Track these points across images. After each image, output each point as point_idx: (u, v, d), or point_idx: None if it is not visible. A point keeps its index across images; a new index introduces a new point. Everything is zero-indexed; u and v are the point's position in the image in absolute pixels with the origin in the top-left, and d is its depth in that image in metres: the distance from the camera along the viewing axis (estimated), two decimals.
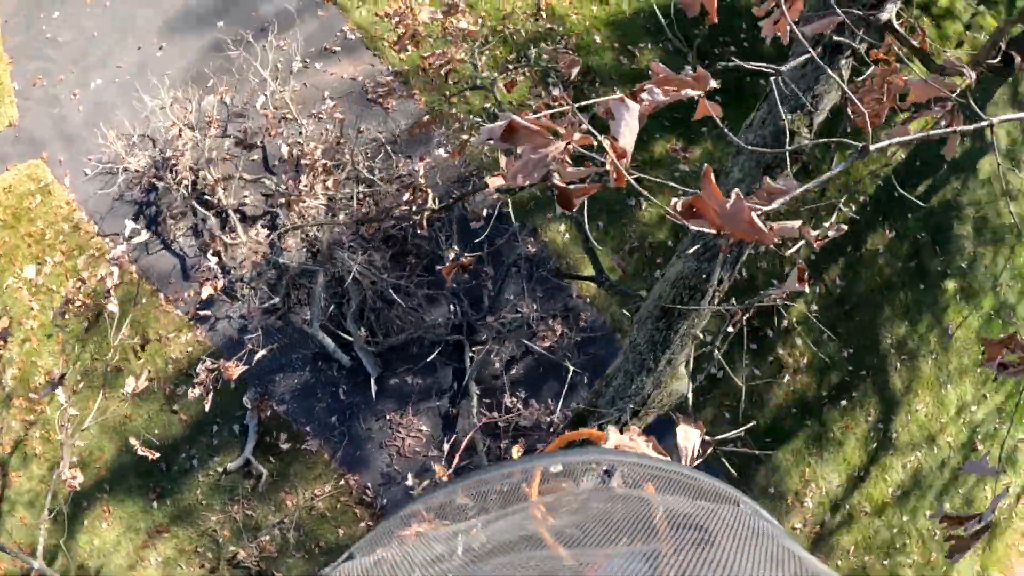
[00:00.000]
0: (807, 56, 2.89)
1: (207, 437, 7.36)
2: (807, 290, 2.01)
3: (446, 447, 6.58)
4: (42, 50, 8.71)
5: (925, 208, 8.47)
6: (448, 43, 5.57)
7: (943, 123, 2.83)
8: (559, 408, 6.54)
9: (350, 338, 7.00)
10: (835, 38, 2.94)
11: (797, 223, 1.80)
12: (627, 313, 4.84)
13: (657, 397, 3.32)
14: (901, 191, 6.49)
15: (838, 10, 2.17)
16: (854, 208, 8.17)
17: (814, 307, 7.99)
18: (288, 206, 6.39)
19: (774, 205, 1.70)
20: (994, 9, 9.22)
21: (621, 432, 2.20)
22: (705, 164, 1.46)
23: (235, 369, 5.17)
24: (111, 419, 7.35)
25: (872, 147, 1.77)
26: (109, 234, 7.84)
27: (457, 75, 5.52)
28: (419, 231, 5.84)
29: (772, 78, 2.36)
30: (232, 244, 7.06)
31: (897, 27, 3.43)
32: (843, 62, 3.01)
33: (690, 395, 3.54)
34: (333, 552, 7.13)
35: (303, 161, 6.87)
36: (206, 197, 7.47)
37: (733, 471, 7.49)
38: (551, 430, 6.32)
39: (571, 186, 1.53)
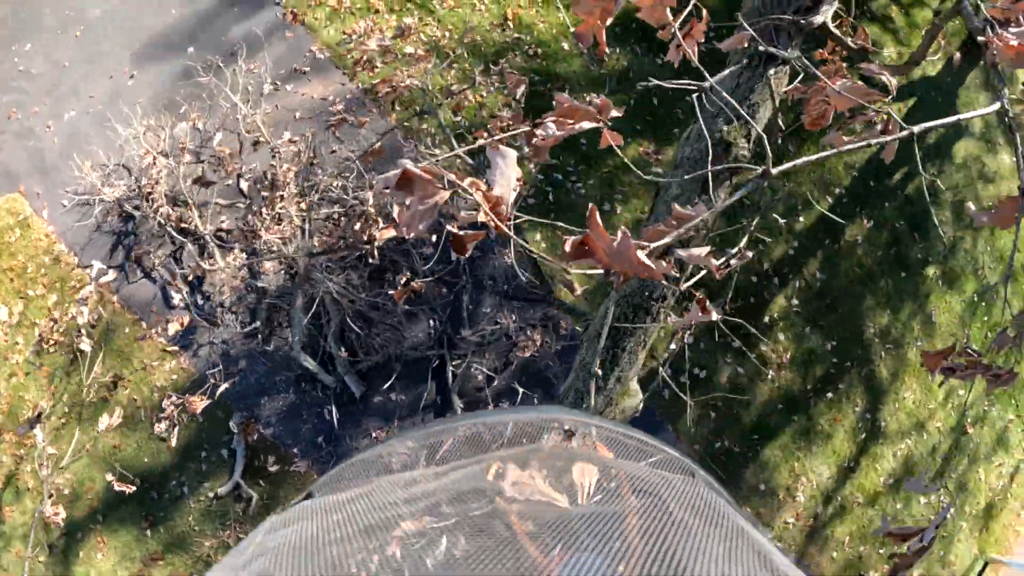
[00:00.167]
0: (731, 70, 2.91)
1: (196, 463, 7.39)
2: (714, 318, 2.02)
3: None
4: (16, 82, 8.74)
5: (902, 196, 8.49)
6: (398, 68, 5.59)
7: (878, 127, 2.84)
8: None
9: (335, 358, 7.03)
10: (764, 48, 2.94)
11: (705, 250, 1.81)
12: (578, 330, 4.88)
13: (609, 415, 3.34)
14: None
15: (748, 28, 2.18)
16: (831, 200, 8.19)
17: (795, 301, 8.01)
18: (254, 234, 6.41)
19: (680, 231, 1.72)
20: None
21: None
22: (591, 204, 1.48)
23: (199, 403, 5.20)
24: (100, 450, 7.38)
25: (773, 170, 1.79)
26: (89, 265, 7.87)
27: (405, 102, 5.54)
28: (371, 260, 5.86)
29: (695, 95, 2.38)
30: (211, 270, 7.08)
31: (833, 29, 3.44)
32: (772, 72, 3.02)
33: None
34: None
35: (276, 184, 6.90)
36: (183, 224, 7.50)
37: (720, 472, 7.52)
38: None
39: (463, 232, 1.55)
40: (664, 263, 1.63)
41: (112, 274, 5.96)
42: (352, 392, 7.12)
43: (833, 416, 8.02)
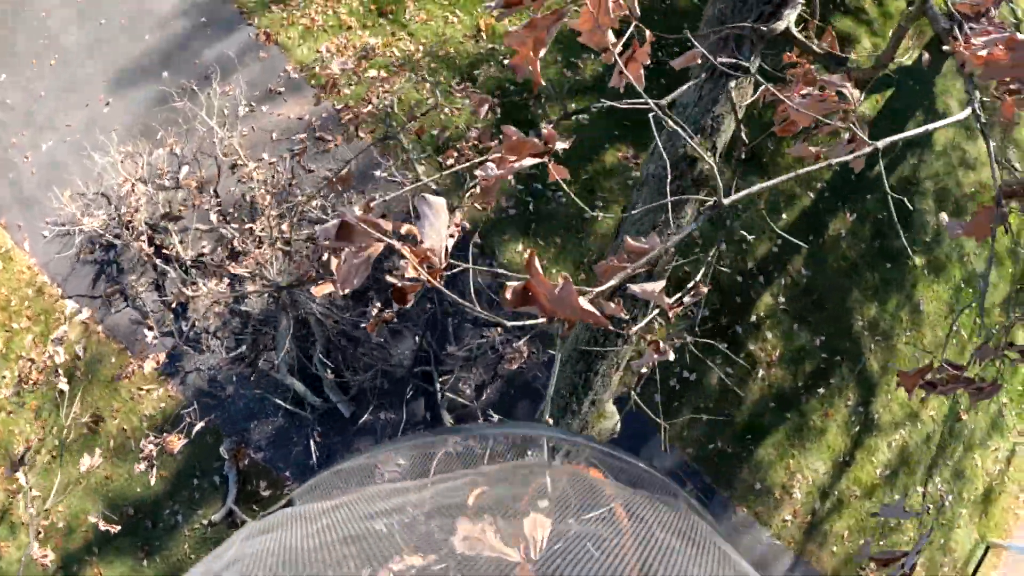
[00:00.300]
0: (692, 83, 2.88)
1: (188, 491, 7.35)
2: (670, 358, 2.00)
3: None
4: None
5: (883, 187, 8.48)
6: (370, 88, 5.57)
7: (845, 137, 2.82)
8: None
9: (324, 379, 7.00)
10: (720, 61, 2.92)
11: (660, 285, 1.79)
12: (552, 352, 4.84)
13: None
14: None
15: (697, 44, 2.16)
16: (812, 195, 8.18)
17: (781, 299, 8.00)
18: (235, 259, 6.38)
19: (628, 271, 1.69)
20: None
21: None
22: (530, 249, 1.46)
23: (177, 443, 5.18)
24: (92, 482, 7.34)
25: (726, 201, 1.77)
26: (73, 295, 7.84)
27: (369, 126, 5.52)
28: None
29: (651, 115, 2.36)
30: (194, 296, 7.05)
31: (796, 34, 3.42)
32: (732, 84, 2.99)
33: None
34: None
35: (255, 207, 6.87)
36: (164, 251, 7.46)
37: (715, 474, 7.51)
38: None
39: (404, 282, 1.53)
40: (613, 304, 1.62)
41: (87, 312, 5.93)
42: (341, 413, 7.09)
43: (825, 411, 8.01)
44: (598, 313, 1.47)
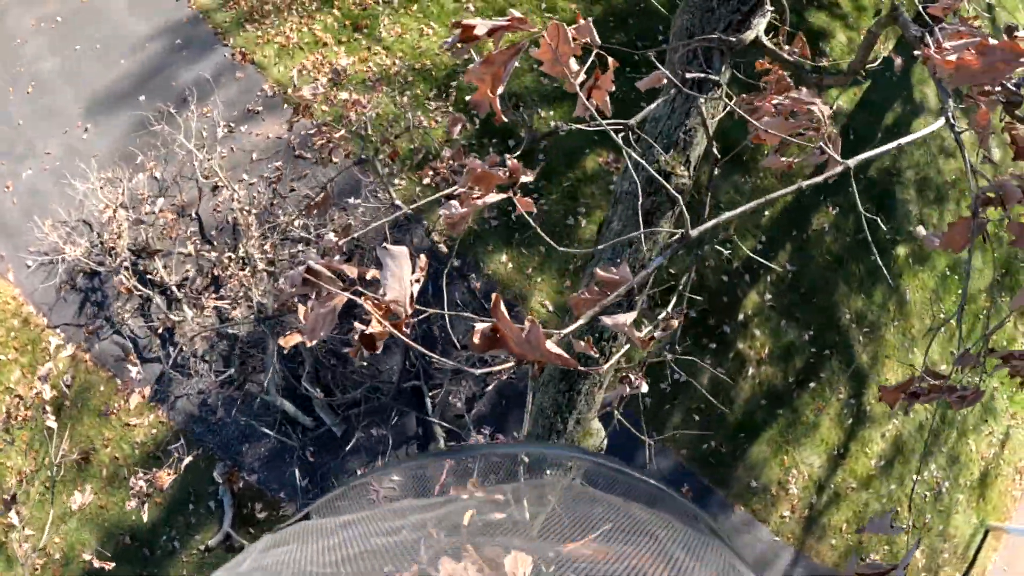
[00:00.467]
0: (663, 98, 2.88)
1: (184, 517, 7.32)
2: (643, 390, 2.00)
3: None
4: None
5: (864, 179, 8.51)
6: (346, 105, 5.57)
7: (817, 150, 2.83)
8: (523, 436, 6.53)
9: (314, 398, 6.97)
10: (687, 76, 2.92)
11: (630, 317, 1.79)
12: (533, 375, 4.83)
13: None
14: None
15: (660, 67, 2.16)
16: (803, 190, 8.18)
17: (768, 296, 8.02)
18: (216, 280, 6.36)
19: (596, 310, 1.69)
20: None
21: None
22: (495, 294, 1.46)
23: (166, 478, 5.16)
24: (87, 512, 7.30)
25: (693, 232, 1.77)
26: (59, 325, 7.80)
27: (343, 149, 5.52)
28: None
29: (620, 135, 2.36)
30: (179, 321, 7.02)
31: (767, 43, 3.43)
32: (703, 100, 2.99)
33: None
34: None
35: (238, 229, 6.85)
36: (148, 276, 7.43)
37: (710, 474, 7.51)
38: None
39: (369, 331, 1.52)
40: (583, 343, 1.62)
41: (71, 348, 5.90)
42: (333, 431, 7.07)
43: (817, 405, 8.04)
44: (566, 356, 1.47)
